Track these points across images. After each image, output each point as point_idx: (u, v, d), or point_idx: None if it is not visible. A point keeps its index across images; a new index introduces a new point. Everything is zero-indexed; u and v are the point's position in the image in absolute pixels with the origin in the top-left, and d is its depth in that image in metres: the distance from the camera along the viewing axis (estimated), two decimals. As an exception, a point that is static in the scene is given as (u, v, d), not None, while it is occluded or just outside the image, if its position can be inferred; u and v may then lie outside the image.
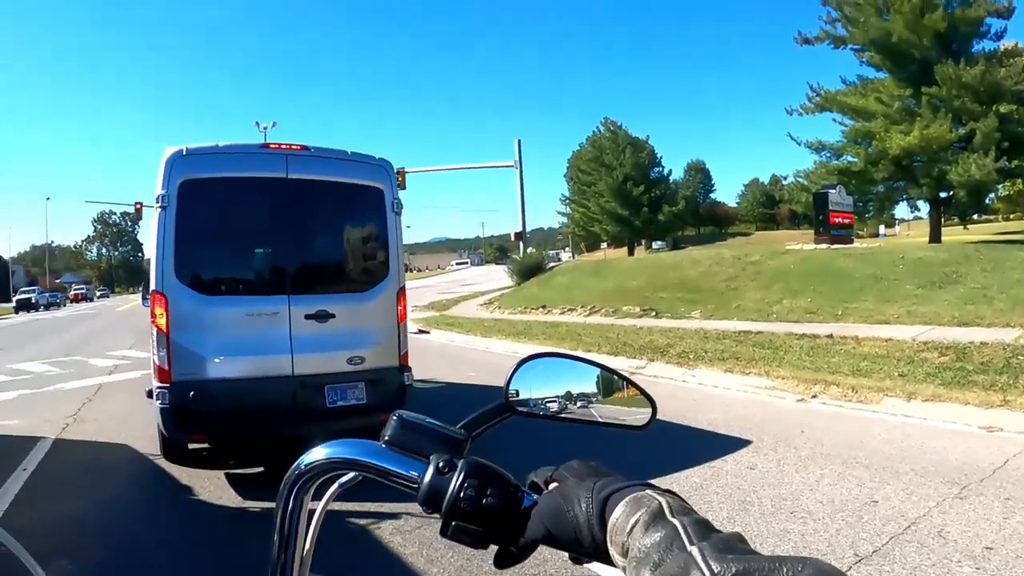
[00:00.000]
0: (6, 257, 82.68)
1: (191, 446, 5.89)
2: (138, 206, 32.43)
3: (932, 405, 6.62)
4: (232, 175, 5.40)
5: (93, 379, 11.67)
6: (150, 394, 5.46)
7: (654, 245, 66.91)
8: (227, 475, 5.67)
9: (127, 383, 10.91)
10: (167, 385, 5.08)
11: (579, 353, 1.01)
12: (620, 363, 10.04)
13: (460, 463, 0.70)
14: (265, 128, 37.78)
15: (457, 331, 16.94)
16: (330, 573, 3.24)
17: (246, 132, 49.16)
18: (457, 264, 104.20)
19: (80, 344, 18.87)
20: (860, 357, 9.00)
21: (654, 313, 16.25)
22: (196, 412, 5.10)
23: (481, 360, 12.36)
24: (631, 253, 58.47)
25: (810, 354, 9.51)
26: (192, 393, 5.05)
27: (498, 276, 35.93)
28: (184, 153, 5.26)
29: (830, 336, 10.81)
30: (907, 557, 3.55)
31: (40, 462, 6.34)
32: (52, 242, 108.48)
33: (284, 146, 5.56)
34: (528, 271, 28.53)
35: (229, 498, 5.16)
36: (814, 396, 7.47)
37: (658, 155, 64.07)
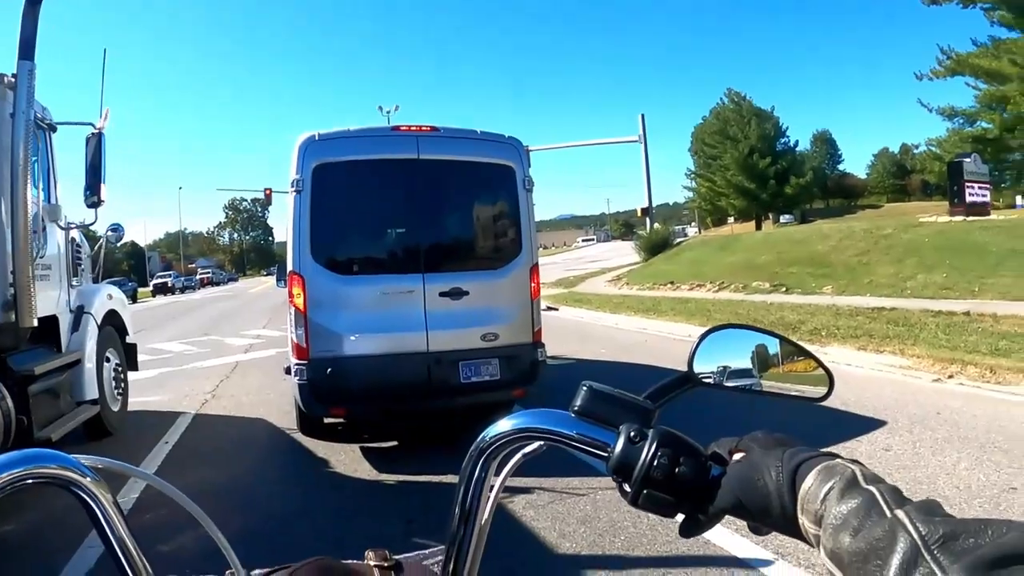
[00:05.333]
0: (142, 244, 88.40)
1: (327, 421, 6.05)
2: (267, 191, 34.01)
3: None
4: (364, 158, 5.52)
5: (229, 357, 12.27)
6: (288, 371, 5.67)
7: (782, 219, 64.18)
8: (362, 448, 5.79)
9: (262, 361, 11.42)
10: (305, 362, 5.25)
11: (758, 325, 0.84)
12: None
13: (651, 432, 0.69)
14: (388, 112, 38.23)
15: (585, 308, 17.05)
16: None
17: (370, 118, 50.37)
18: (583, 241, 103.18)
19: (216, 324, 19.84)
20: (999, 336, 8.44)
21: (784, 289, 16.07)
22: (333, 388, 5.24)
23: (610, 336, 12.39)
24: (759, 227, 56.39)
25: (946, 332, 8.99)
26: (329, 370, 5.19)
27: (624, 252, 35.85)
28: (316, 138, 5.41)
29: (967, 313, 10.30)
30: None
31: (181, 436, 6.66)
32: (185, 229, 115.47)
33: (415, 128, 5.63)
34: (655, 247, 28.49)
35: (364, 471, 5.27)
36: (950, 376, 7.10)
37: (783, 126, 61.73)
